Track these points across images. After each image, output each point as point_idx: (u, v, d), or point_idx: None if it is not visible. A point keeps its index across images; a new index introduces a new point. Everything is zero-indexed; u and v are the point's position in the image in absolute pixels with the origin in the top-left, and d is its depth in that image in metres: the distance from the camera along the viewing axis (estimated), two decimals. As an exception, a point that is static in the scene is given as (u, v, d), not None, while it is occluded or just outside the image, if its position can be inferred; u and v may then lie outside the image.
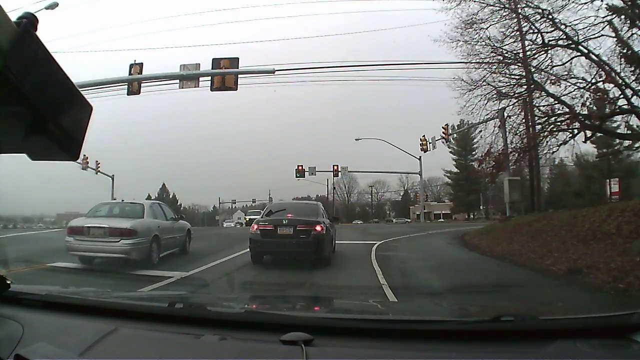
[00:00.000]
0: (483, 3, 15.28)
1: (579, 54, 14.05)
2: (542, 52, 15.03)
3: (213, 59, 19.54)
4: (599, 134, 16.86)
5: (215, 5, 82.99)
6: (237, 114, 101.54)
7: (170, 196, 70.98)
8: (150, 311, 1.92)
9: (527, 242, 12.70)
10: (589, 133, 14.97)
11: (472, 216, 64.34)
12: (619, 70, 13.58)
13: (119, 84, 20.66)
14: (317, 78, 41.94)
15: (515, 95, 16.29)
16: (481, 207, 64.99)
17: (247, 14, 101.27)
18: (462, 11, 15.61)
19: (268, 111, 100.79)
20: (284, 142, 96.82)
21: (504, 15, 15.33)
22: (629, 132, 17.12)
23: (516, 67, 16.42)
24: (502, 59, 16.12)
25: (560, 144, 15.78)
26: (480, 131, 21.82)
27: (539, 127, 16.23)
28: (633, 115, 14.07)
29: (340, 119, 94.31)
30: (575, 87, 14.36)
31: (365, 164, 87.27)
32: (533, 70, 15.61)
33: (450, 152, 57.16)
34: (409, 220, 63.59)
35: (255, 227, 9.83)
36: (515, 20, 15.35)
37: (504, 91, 16.31)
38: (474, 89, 16.47)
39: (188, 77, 19.97)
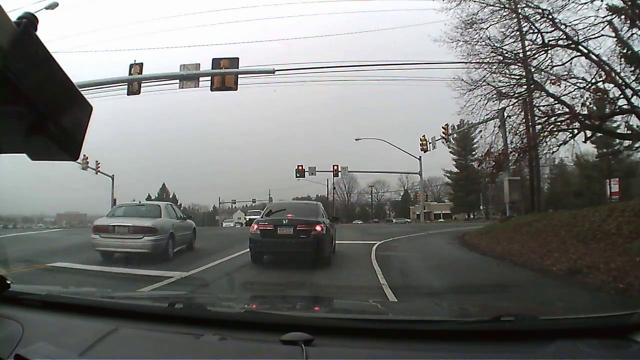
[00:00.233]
0: (483, 3, 15.30)
1: (579, 54, 14.06)
2: (542, 52, 15.04)
3: (213, 59, 19.54)
4: (599, 134, 16.88)
5: (215, 5, 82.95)
6: (237, 114, 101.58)
7: (170, 196, 70.97)
8: (150, 311, 1.93)
9: (527, 242, 12.69)
10: (589, 133, 14.98)
11: (472, 216, 64.32)
12: (619, 70, 13.62)
13: (119, 84, 20.65)
14: (317, 78, 42.09)
15: (515, 95, 16.29)
16: (481, 207, 64.97)
17: (247, 14, 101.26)
18: (462, 11, 15.65)
19: (268, 111, 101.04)
20: (284, 142, 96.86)
21: (504, 15, 15.36)
22: (629, 132, 17.15)
23: (516, 67, 16.44)
24: (502, 59, 16.13)
25: (560, 144, 15.80)
26: (480, 131, 21.83)
27: (539, 127, 16.23)
28: (633, 115, 14.08)
29: (340, 119, 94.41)
30: (575, 87, 14.39)
31: (365, 164, 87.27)
32: (533, 70, 15.61)
33: (450, 152, 57.22)
34: (409, 220, 63.56)
35: (255, 227, 9.83)
36: (515, 20, 15.36)
37: (504, 91, 16.31)
38: (474, 89, 16.50)
39: (188, 77, 19.97)
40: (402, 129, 77.95)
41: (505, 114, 17.45)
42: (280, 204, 15.15)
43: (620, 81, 13.51)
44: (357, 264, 10.41)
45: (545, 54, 14.95)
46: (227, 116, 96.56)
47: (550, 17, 14.06)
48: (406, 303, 5.29)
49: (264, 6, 74.68)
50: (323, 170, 46.03)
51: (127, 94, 20.34)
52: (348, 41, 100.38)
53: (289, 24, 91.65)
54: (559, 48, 14.60)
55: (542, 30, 14.52)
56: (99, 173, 39.31)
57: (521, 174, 25.09)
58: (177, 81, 20.37)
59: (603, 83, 13.84)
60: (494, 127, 18.02)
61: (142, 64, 20.13)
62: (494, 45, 15.76)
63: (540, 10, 14.18)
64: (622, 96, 13.69)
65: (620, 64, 13.65)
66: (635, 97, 13.53)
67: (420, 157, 40.94)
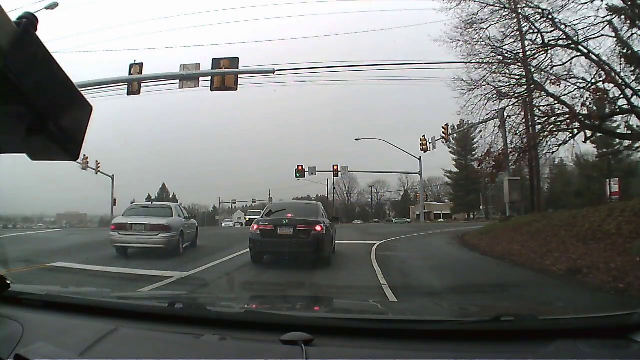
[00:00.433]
0: (483, 3, 15.30)
1: (579, 54, 14.06)
2: (542, 52, 15.04)
3: (213, 59, 19.54)
4: (599, 134, 16.87)
5: (215, 5, 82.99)
6: (237, 114, 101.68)
7: (170, 196, 70.99)
8: (150, 311, 1.93)
9: (527, 242, 12.70)
10: (589, 133, 14.97)
11: (472, 216, 64.32)
12: (619, 70, 13.61)
13: (119, 84, 20.66)
14: (317, 78, 42.06)
15: (515, 95, 16.29)
16: (481, 207, 64.96)
17: (247, 14, 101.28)
18: (462, 11, 15.65)
19: (268, 111, 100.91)
20: (284, 142, 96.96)
21: (504, 15, 15.36)
22: (629, 132, 17.15)
23: (516, 67, 16.44)
24: (502, 59, 16.13)
25: (560, 144, 15.78)
26: (480, 131, 21.83)
27: (539, 127, 16.22)
28: (633, 115, 14.08)
29: (340, 119, 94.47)
30: (575, 87, 14.39)
31: (365, 164, 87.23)
32: (533, 70, 15.61)
33: (450, 152, 57.25)
34: (409, 220, 63.56)
35: (255, 227, 9.83)
36: (515, 20, 15.36)
37: (504, 91, 16.31)
38: (474, 89, 16.49)
39: (188, 77, 19.97)
40: (402, 129, 78.08)
41: (505, 114, 17.46)
42: (280, 204, 15.15)
43: (620, 81, 13.50)
44: (357, 264, 10.41)
45: (545, 54, 14.97)
46: (227, 116, 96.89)
47: (550, 17, 14.07)
48: (406, 303, 5.29)
49: (264, 6, 74.85)
50: (323, 170, 46.15)
51: (127, 94, 20.35)
52: (348, 41, 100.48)
53: (289, 24, 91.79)
54: (559, 48, 14.62)
55: (542, 30, 14.54)
56: (99, 173, 39.35)
57: (521, 174, 25.09)
58: (177, 81, 20.38)
59: (603, 83, 13.85)
60: (494, 127, 18.06)
61: (142, 64, 20.16)
62: (494, 45, 15.77)
63: (540, 10, 14.19)
64: (622, 96, 13.69)
65: (620, 64, 13.67)
66: (635, 97, 13.54)
67: (420, 157, 41.08)
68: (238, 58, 19.54)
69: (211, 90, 19.86)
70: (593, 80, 13.91)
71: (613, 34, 13.45)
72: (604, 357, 1.40)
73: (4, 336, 1.57)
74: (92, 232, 27.05)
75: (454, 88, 17.02)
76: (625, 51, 13.43)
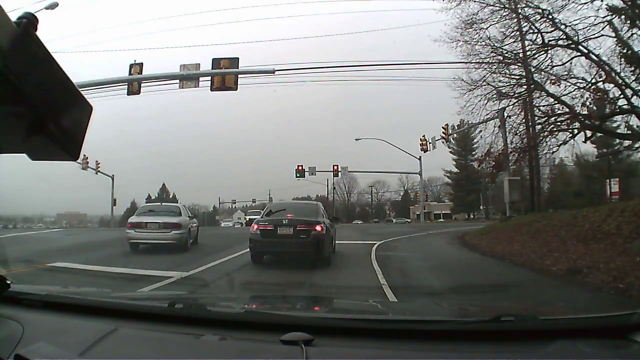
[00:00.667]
0: (483, 3, 15.28)
1: (579, 54, 14.05)
2: (542, 52, 15.03)
3: (213, 59, 19.55)
4: (599, 134, 16.86)
5: (215, 5, 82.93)
6: (237, 113, 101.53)
7: (170, 196, 70.87)
8: (150, 311, 1.93)
9: (527, 242, 12.70)
10: (589, 133, 14.96)
11: (472, 216, 64.32)
12: (619, 70, 13.60)
13: (119, 84, 20.67)
14: (317, 78, 42.07)
15: (515, 95, 16.27)
16: (481, 207, 64.96)
17: (247, 14, 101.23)
18: (462, 11, 15.62)
19: (268, 111, 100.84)
20: (284, 142, 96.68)
21: (504, 15, 15.33)
22: (629, 132, 17.13)
23: (516, 67, 16.41)
24: (502, 59, 16.11)
25: (560, 144, 15.75)
26: (480, 131, 21.82)
27: (539, 127, 16.19)
28: (633, 115, 14.07)
29: (340, 119, 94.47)
30: (575, 87, 14.36)
31: (365, 164, 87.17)
32: (533, 70, 15.60)
33: (450, 152, 57.22)
34: (409, 220, 63.53)
35: (255, 227, 9.82)
36: (515, 20, 15.34)
37: (504, 91, 16.29)
38: (474, 89, 16.46)
39: (188, 77, 19.97)
40: (402, 129, 77.90)
41: (505, 114, 17.44)
42: (280, 204, 15.17)
43: (620, 81, 13.50)
44: (357, 264, 10.41)
45: (545, 54, 14.95)
46: (227, 116, 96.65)
47: (550, 17, 14.07)
48: (406, 303, 5.28)
49: (264, 6, 74.69)
50: (323, 170, 46.15)
51: (127, 94, 20.37)
52: (348, 41, 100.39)
53: (289, 24, 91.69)
54: (559, 48, 14.60)
55: (542, 30, 14.53)
56: (99, 173, 39.36)
57: (521, 174, 25.06)
58: (177, 81, 20.39)
59: (603, 83, 13.83)
60: (494, 127, 18.01)
61: (142, 64, 20.18)
62: (494, 45, 15.75)
63: (540, 10, 14.18)
64: (622, 96, 13.68)
65: (620, 64, 13.65)
66: (635, 97, 13.53)
67: (420, 157, 41.06)
68: (238, 58, 19.57)
69: (211, 90, 19.87)
70: (593, 80, 13.91)
71: (613, 34, 13.45)
72: (604, 357, 1.40)
73: (4, 336, 1.57)
74: (92, 232, 27.05)
75: (454, 88, 17.02)
76: (625, 51, 13.43)
